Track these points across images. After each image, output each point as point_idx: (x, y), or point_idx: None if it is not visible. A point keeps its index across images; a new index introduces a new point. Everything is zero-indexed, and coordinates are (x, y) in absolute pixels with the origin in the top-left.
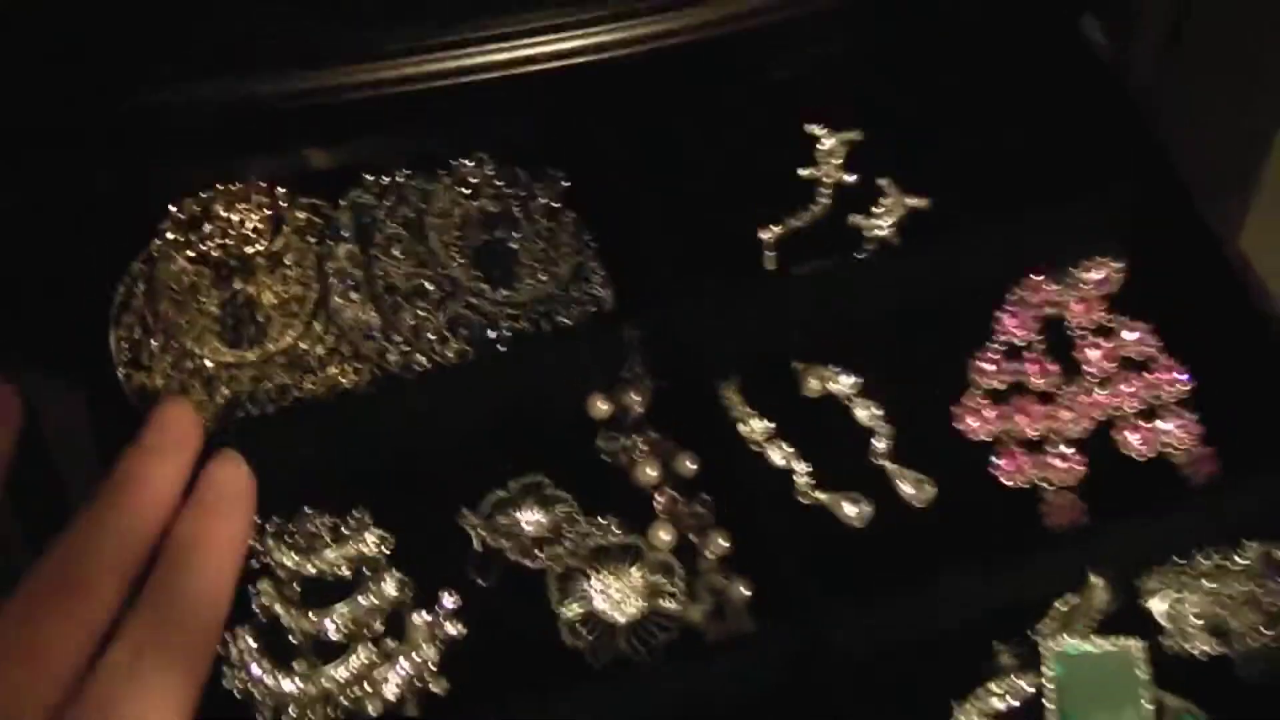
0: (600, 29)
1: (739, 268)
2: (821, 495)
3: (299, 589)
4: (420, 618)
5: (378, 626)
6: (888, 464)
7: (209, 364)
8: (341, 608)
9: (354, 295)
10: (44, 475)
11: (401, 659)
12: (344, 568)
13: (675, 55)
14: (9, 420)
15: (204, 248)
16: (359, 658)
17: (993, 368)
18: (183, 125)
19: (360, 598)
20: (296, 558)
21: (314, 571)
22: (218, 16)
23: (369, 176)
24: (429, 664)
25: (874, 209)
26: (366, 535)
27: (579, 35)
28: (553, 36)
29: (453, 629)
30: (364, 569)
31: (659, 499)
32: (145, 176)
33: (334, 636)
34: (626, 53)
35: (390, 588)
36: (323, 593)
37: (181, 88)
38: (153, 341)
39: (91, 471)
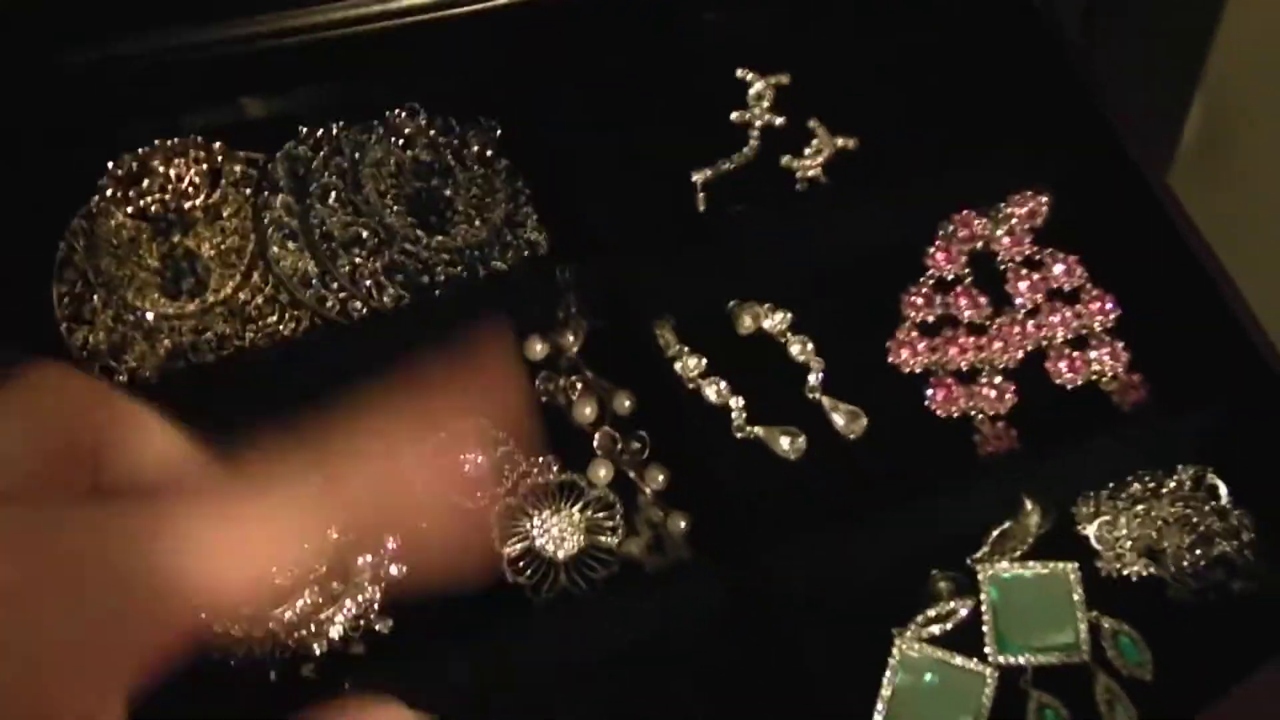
0: None
1: (672, 210)
2: (756, 430)
3: None
4: (364, 559)
5: (322, 569)
6: (821, 398)
7: (150, 316)
8: None
9: (291, 245)
10: None
11: (346, 600)
12: None
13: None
14: None
15: (143, 203)
16: (305, 600)
17: (923, 302)
18: (117, 80)
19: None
20: None
21: None
22: None
23: (304, 128)
24: (373, 604)
25: (804, 150)
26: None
27: None
28: None
29: (396, 569)
30: None
31: (596, 437)
32: (83, 133)
33: (279, 580)
34: None
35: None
36: None
37: (114, 41)
38: (94, 296)
39: None
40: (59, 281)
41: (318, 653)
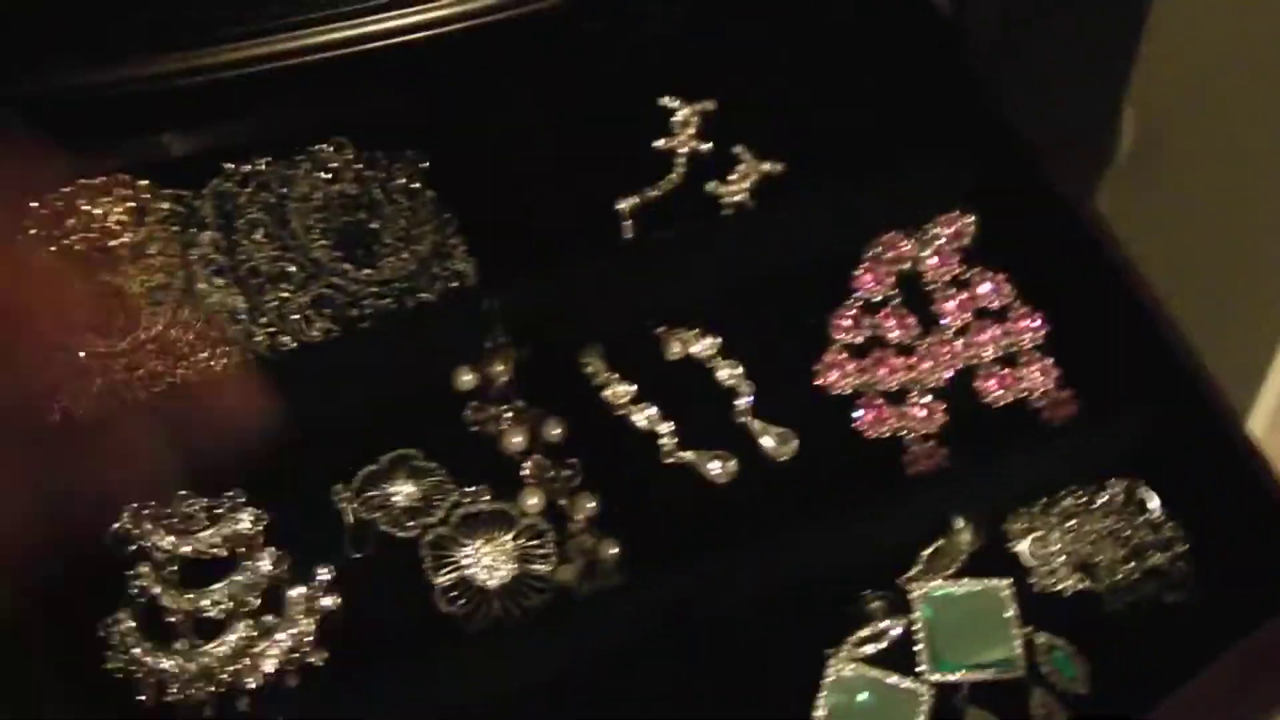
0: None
1: (598, 237)
2: (686, 454)
3: (177, 570)
4: (297, 592)
5: (255, 603)
6: (750, 421)
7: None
8: (219, 586)
9: (219, 280)
10: None
11: (279, 633)
12: (220, 547)
13: (525, 27)
14: None
15: (68, 242)
16: (238, 634)
17: (851, 323)
18: (40, 117)
19: (237, 576)
20: (173, 539)
21: (190, 552)
22: (66, 4)
23: (229, 165)
24: (306, 637)
25: (729, 176)
26: (241, 515)
27: (421, 9)
28: (395, 11)
29: (329, 601)
30: (239, 548)
31: (527, 465)
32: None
33: (213, 614)
34: (470, 25)
35: (266, 564)
36: (200, 573)
37: (37, 78)
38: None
39: None
40: None
41: (252, 686)
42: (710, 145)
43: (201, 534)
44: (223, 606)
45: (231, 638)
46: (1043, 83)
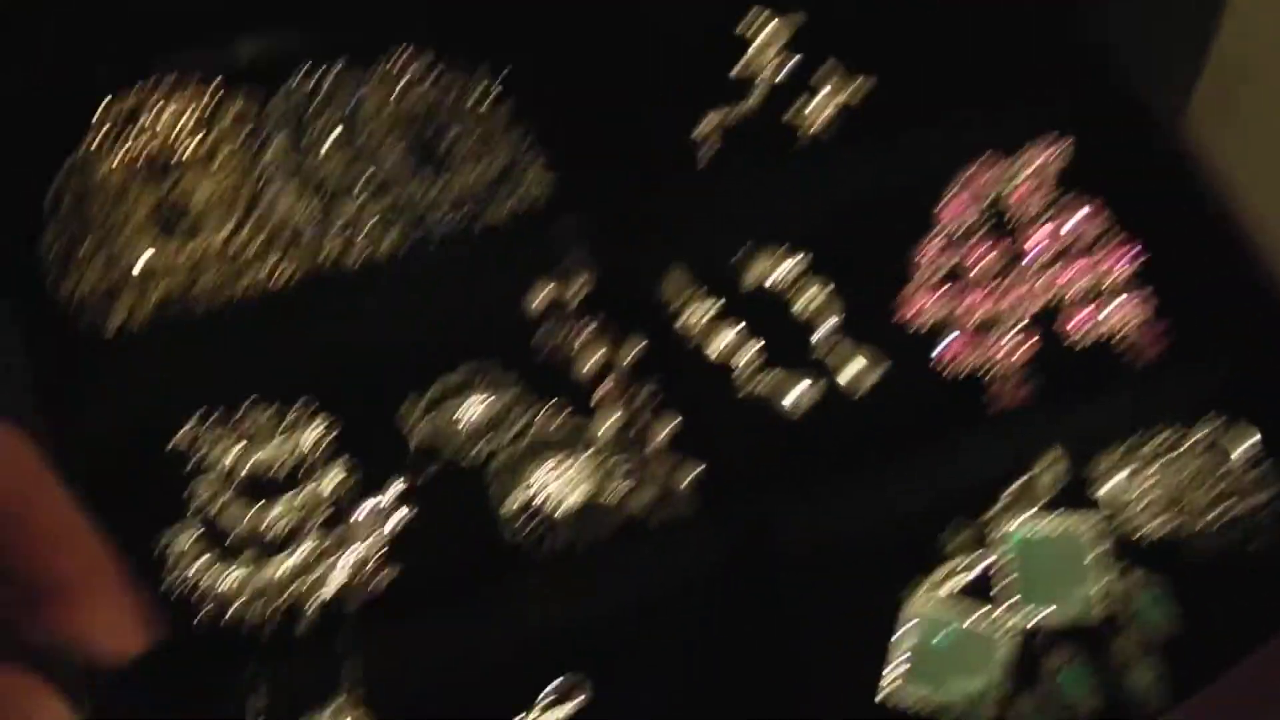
0: None
1: (679, 157)
2: (765, 381)
3: (242, 482)
4: (365, 508)
5: (322, 517)
6: (831, 350)
7: (142, 264)
8: (286, 500)
9: (288, 190)
10: None
11: (346, 549)
12: (288, 460)
13: None
14: None
15: (136, 145)
16: (304, 549)
17: (938, 253)
18: (110, 21)
19: (305, 489)
20: (239, 451)
21: (257, 463)
22: None
23: (302, 70)
24: (374, 554)
25: (815, 98)
26: (310, 427)
27: None
28: None
29: (397, 519)
30: (308, 460)
31: (602, 387)
32: (75, 76)
33: (279, 529)
34: None
35: (335, 478)
36: (267, 485)
37: None
38: (85, 244)
39: (22, 378)
40: (50, 229)
41: (318, 602)
42: (796, 65)
43: (269, 445)
44: (289, 520)
45: (298, 553)
46: (1132, 10)
